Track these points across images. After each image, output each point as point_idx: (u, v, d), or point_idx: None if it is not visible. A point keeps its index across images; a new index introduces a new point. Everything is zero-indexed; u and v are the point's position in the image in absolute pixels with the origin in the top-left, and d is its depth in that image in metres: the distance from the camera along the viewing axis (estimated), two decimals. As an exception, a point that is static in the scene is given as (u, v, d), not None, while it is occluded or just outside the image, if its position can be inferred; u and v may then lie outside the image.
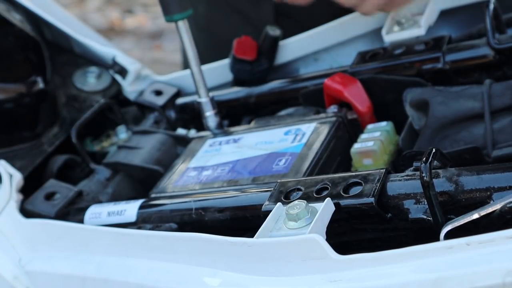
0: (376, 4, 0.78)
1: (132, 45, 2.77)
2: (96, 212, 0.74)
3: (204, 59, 0.94)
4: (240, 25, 0.91)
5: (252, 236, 0.57)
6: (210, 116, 0.79)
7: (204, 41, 1.19)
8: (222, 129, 0.79)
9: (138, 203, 0.72)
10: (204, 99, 0.79)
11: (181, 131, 0.85)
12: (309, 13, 0.96)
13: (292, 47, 0.86)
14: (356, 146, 0.68)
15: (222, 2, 1.14)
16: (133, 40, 2.82)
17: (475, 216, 0.51)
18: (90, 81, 0.93)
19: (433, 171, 0.55)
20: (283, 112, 0.81)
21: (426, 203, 0.54)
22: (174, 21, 0.76)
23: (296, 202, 0.57)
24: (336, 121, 0.72)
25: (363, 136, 0.70)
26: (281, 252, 0.55)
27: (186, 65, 1.27)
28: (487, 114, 0.64)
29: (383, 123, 0.71)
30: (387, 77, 0.74)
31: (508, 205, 0.50)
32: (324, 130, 0.71)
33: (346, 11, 0.83)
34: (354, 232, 0.60)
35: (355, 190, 0.57)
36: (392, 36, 0.79)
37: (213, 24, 1.16)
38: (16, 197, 0.77)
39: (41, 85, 0.85)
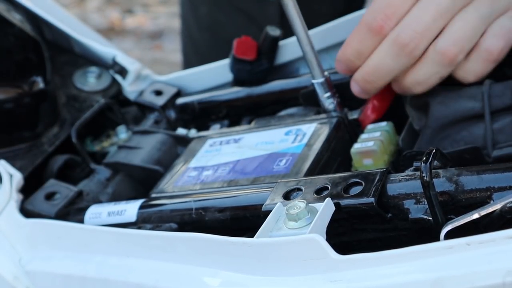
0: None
1: (132, 45, 2.77)
2: (96, 212, 0.74)
3: (207, 59, 0.94)
4: (244, 25, 0.90)
5: (252, 236, 0.57)
6: (328, 98, 0.74)
7: (207, 41, 1.18)
8: (342, 111, 0.74)
9: (138, 203, 0.72)
10: (320, 80, 0.73)
11: (181, 131, 0.85)
12: (315, 13, 0.96)
13: (292, 47, 0.86)
14: (356, 146, 0.69)
15: (225, 2, 1.14)
16: (133, 40, 2.82)
17: (475, 216, 0.51)
18: (90, 81, 0.93)
19: (433, 171, 0.55)
20: (283, 113, 0.81)
21: (426, 203, 0.54)
22: None
23: (296, 202, 0.57)
24: (337, 122, 0.72)
25: (363, 136, 0.70)
26: (281, 252, 0.55)
27: (186, 65, 1.27)
28: (487, 114, 0.64)
29: (383, 123, 0.71)
30: (387, 77, 0.73)
31: (508, 205, 0.50)
32: (325, 130, 0.71)
33: (352, 11, 0.82)
34: (354, 232, 0.60)
35: (355, 190, 0.57)
36: (392, 36, 0.78)
37: (216, 24, 1.15)
38: (16, 197, 0.77)
39: (41, 85, 0.85)
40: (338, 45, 0.85)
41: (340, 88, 0.76)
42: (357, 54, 0.68)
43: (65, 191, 0.78)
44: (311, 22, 0.86)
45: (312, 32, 0.85)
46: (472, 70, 0.65)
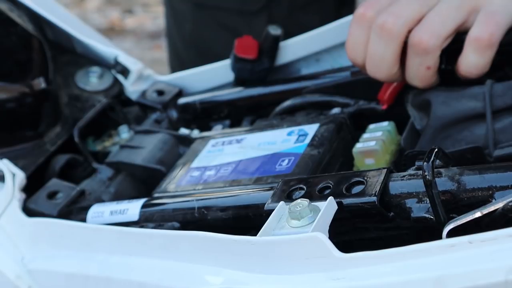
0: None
1: (132, 45, 2.77)
2: (99, 211, 0.74)
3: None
4: (231, 41, 0.90)
5: (254, 235, 0.57)
6: None
7: (193, 57, 1.17)
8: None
9: (140, 202, 0.72)
10: None
11: (184, 130, 0.85)
12: (304, 25, 0.96)
13: (294, 48, 0.86)
14: (358, 146, 0.69)
15: (210, 20, 1.12)
16: (133, 40, 2.82)
17: (478, 214, 0.51)
18: (92, 81, 0.93)
19: (435, 170, 0.55)
20: (278, 108, 0.81)
21: (428, 202, 0.55)
22: None
23: (298, 200, 0.57)
24: (339, 122, 0.72)
25: (365, 135, 0.70)
26: (284, 250, 0.55)
27: (173, 69, 1.26)
28: (488, 114, 0.64)
29: (385, 123, 0.71)
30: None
31: (510, 204, 0.50)
32: (327, 131, 0.71)
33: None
34: (357, 231, 0.60)
35: (357, 189, 0.58)
36: (393, 36, 0.79)
37: (202, 41, 1.14)
38: (19, 196, 0.77)
39: (43, 85, 0.85)
40: (339, 45, 0.85)
41: (342, 87, 0.77)
42: (353, 45, 0.70)
43: (67, 190, 0.78)
44: (300, 33, 0.86)
45: (312, 33, 0.85)
46: (471, 63, 0.65)
